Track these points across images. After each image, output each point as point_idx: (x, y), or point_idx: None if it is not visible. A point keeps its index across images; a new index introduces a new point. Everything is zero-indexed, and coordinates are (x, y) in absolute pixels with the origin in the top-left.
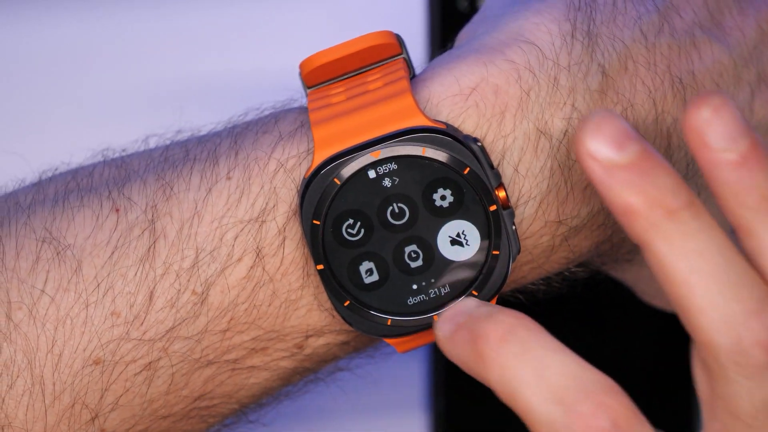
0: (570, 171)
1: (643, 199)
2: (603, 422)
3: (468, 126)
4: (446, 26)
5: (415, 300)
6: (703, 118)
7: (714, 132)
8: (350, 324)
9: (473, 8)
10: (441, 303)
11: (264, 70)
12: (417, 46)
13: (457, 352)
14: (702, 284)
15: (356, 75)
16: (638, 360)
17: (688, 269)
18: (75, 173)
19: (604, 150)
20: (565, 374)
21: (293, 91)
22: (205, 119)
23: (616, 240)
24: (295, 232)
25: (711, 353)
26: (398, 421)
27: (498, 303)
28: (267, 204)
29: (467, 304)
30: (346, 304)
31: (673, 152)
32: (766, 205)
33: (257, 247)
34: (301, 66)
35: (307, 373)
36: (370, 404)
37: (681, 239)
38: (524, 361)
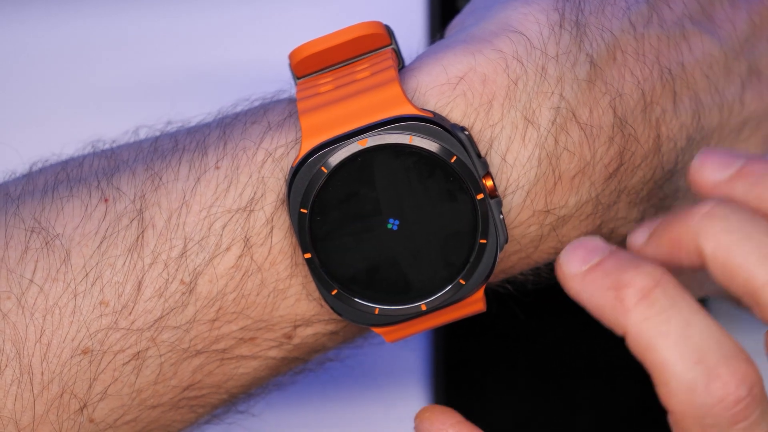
0: (558, 160)
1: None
2: (741, 389)
3: (455, 115)
4: (446, 25)
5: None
6: None
7: None
8: (338, 313)
9: None
10: (428, 291)
11: (255, 61)
12: (417, 46)
13: (589, 292)
14: (765, 266)
15: (345, 65)
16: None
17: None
18: (65, 164)
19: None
20: (708, 336)
21: (283, 83)
22: (196, 111)
23: (605, 231)
24: (283, 222)
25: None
26: (396, 410)
27: (486, 293)
28: (255, 193)
29: (597, 244)
30: (333, 293)
31: (662, 143)
32: None
33: (245, 237)
34: (291, 56)
35: (297, 363)
36: (365, 396)
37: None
38: (670, 317)
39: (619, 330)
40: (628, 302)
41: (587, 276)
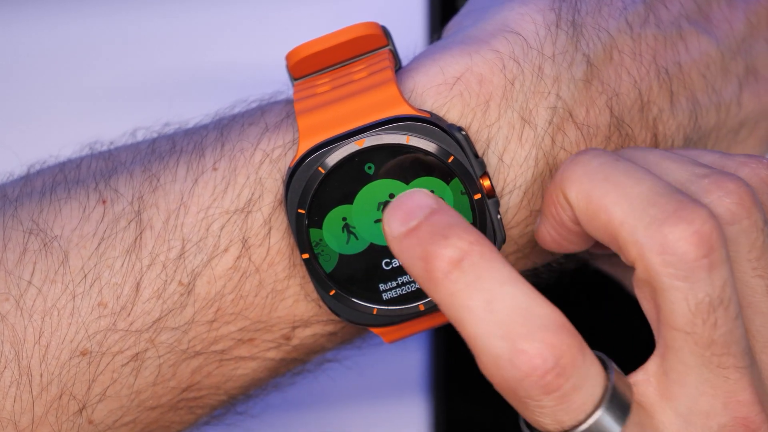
0: (555, 160)
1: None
2: (547, 362)
3: (453, 115)
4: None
5: (401, 290)
6: None
7: None
8: (336, 313)
9: None
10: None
11: (252, 63)
12: (417, 46)
13: (405, 258)
14: (614, 202)
15: (342, 66)
16: (625, 351)
17: (599, 195)
18: (62, 166)
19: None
20: (514, 308)
21: (280, 84)
22: (193, 112)
23: None
24: (281, 223)
25: (643, 266)
26: (396, 412)
27: None
28: (253, 194)
29: (418, 201)
30: (331, 293)
31: (659, 143)
32: None
33: (243, 238)
34: (288, 57)
35: (295, 364)
36: (363, 397)
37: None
38: (475, 291)
39: (434, 301)
40: (436, 275)
41: (403, 241)
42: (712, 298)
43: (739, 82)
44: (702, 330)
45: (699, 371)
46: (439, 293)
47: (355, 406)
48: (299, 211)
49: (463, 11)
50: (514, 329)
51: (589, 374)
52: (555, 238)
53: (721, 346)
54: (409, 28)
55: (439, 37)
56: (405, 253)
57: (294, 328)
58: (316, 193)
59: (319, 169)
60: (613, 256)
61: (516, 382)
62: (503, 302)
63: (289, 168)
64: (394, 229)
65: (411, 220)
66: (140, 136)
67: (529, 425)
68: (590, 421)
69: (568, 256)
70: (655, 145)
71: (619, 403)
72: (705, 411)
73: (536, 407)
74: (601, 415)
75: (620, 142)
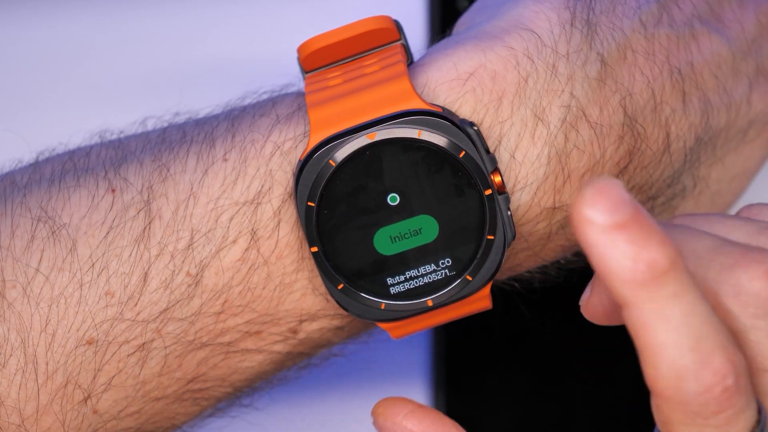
0: (567, 158)
1: (632, 263)
2: (729, 379)
3: (465, 111)
4: (447, 25)
5: (409, 284)
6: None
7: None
8: (344, 308)
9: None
10: (434, 288)
11: (262, 55)
12: (418, 46)
13: (605, 252)
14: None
15: (354, 60)
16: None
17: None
18: (72, 154)
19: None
20: (707, 324)
21: (291, 77)
22: (204, 103)
23: None
24: (290, 215)
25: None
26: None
27: (492, 290)
28: (263, 186)
29: (622, 195)
30: (339, 287)
31: (671, 142)
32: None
33: (252, 229)
34: (299, 50)
35: (301, 358)
36: (368, 391)
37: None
38: (677, 301)
39: (618, 298)
40: (642, 278)
41: (609, 234)
42: None
43: (750, 82)
44: None
45: None
46: (638, 296)
47: (356, 399)
48: (309, 203)
49: (476, 7)
50: (704, 343)
51: (750, 400)
52: (607, 309)
53: None
54: (409, 26)
55: (443, 34)
56: (608, 247)
57: (301, 321)
58: (327, 186)
59: (330, 162)
60: None
61: (693, 396)
62: (699, 317)
63: (300, 160)
64: (598, 218)
65: (617, 214)
66: (150, 126)
67: None
68: None
69: (578, 254)
70: (667, 144)
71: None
72: None
73: (704, 425)
74: None
75: (633, 142)
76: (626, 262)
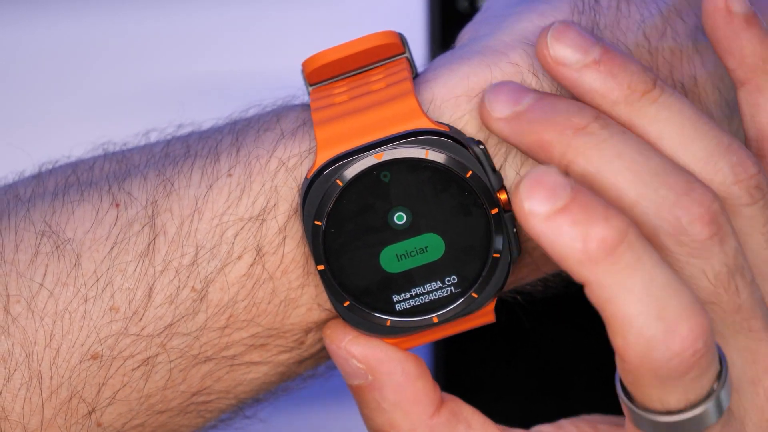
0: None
1: (552, 129)
2: (698, 343)
3: (471, 128)
4: (446, 26)
5: (414, 301)
6: None
7: None
8: (350, 324)
9: (473, 8)
10: (440, 305)
11: (262, 68)
12: (417, 47)
13: (553, 238)
14: (629, 181)
15: (359, 74)
16: None
17: (612, 172)
18: (75, 167)
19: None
20: (670, 290)
21: (294, 89)
22: (206, 115)
23: None
24: (295, 231)
25: (656, 242)
26: None
27: (495, 303)
28: (268, 202)
29: (558, 179)
30: (345, 304)
31: None
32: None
33: (257, 245)
34: (304, 64)
35: (307, 368)
36: None
37: (596, 149)
38: (636, 270)
39: (578, 279)
40: (595, 256)
41: (552, 221)
42: (729, 267)
43: None
44: (727, 298)
45: (735, 339)
46: (596, 273)
47: (345, 406)
48: (316, 222)
49: (479, 18)
50: (670, 310)
51: (715, 353)
52: None
53: (748, 310)
54: (409, 26)
55: (442, 35)
56: (555, 234)
57: (307, 333)
58: (334, 206)
59: (337, 181)
60: None
61: (664, 362)
62: (661, 283)
63: (306, 179)
64: (538, 209)
65: (556, 199)
66: (153, 138)
67: (636, 406)
68: (713, 396)
69: None
70: None
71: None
72: (750, 378)
73: (673, 386)
74: (722, 389)
75: None
76: (576, 243)
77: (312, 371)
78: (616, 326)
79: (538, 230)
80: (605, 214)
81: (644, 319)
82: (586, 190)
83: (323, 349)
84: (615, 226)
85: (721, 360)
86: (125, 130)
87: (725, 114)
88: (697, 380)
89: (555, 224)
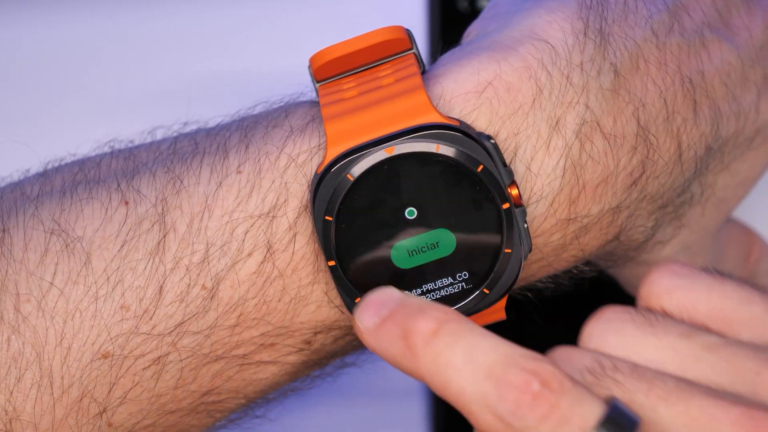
0: (582, 169)
1: (405, 339)
2: (533, 385)
3: (480, 123)
4: (446, 26)
5: (427, 297)
6: None
7: None
8: None
9: (473, 8)
10: (451, 300)
11: (270, 66)
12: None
13: (383, 345)
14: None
15: (367, 69)
16: None
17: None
18: (82, 164)
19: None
20: (494, 351)
21: (301, 86)
22: (212, 113)
23: (623, 238)
24: (305, 228)
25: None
26: (397, 411)
27: (507, 301)
28: (278, 199)
29: (389, 295)
30: (357, 300)
31: (683, 152)
32: None
33: (268, 242)
34: (312, 60)
35: (315, 368)
36: (381, 400)
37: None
38: (455, 347)
39: (417, 377)
40: (417, 348)
41: (380, 330)
42: None
43: (758, 89)
44: None
45: None
46: (422, 364)
47: (354, 406)
48: (327, 218)
49: (487, 14)
50: (497, 368)
51: (583, 394)
52: None
53: None
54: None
55: (442, 35)
56: (383, 340)
57: (316, 333)
58: (344, 201)
59: (348, 176)
60: (628, 260)
61: (510, 415)
62: (483, 349)
63: (317, 174)
64: (368, 323)
65: (383, 310)
66: (160, 135)
67: None
68: None
69: (590, 263)
70: (679, 154)
71: (627, 415)
72: None
73: (535, 429)
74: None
75: (645, 152)
76: (399, 342)
77: (320, 371)
78: (459, 404)
79: (373, 345)
80: (423, 308)
81: (474, 383)
82: (415, 297)
83: (331, 352)
84: (431, 316)
85: (612, 405)
86: (131, 128)
87: (733, 109)
88: (562, 421)
89: (382, 332)
